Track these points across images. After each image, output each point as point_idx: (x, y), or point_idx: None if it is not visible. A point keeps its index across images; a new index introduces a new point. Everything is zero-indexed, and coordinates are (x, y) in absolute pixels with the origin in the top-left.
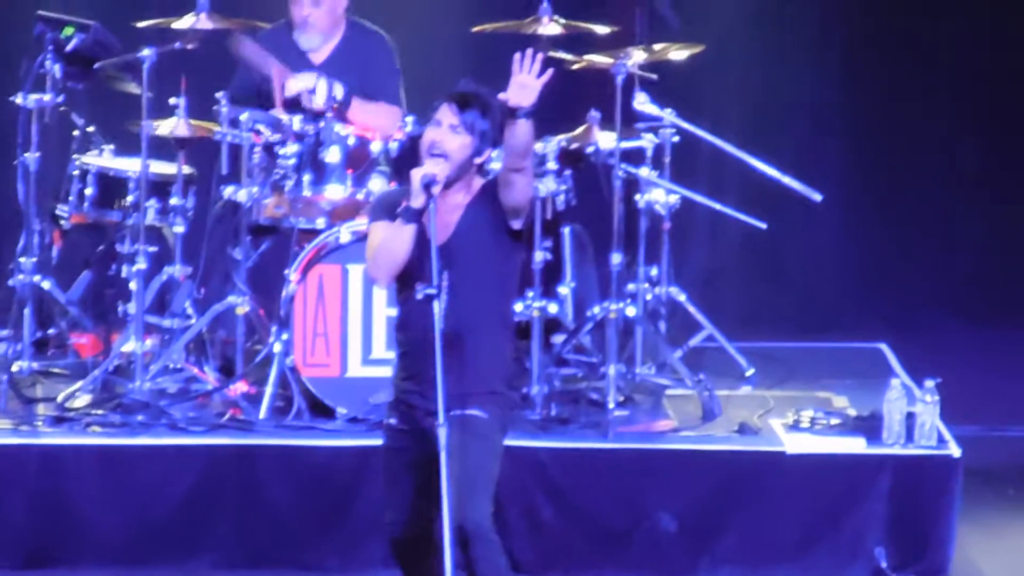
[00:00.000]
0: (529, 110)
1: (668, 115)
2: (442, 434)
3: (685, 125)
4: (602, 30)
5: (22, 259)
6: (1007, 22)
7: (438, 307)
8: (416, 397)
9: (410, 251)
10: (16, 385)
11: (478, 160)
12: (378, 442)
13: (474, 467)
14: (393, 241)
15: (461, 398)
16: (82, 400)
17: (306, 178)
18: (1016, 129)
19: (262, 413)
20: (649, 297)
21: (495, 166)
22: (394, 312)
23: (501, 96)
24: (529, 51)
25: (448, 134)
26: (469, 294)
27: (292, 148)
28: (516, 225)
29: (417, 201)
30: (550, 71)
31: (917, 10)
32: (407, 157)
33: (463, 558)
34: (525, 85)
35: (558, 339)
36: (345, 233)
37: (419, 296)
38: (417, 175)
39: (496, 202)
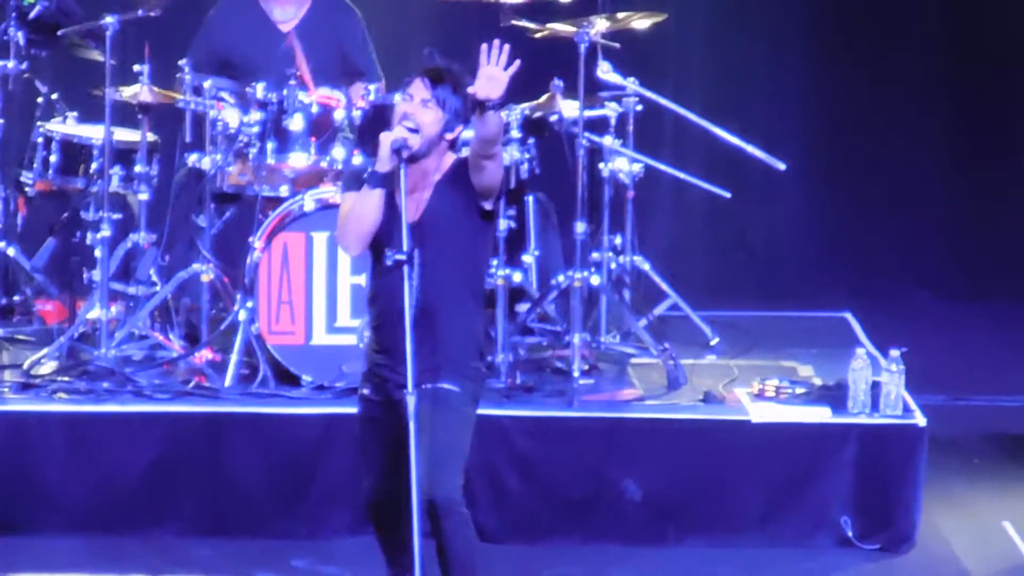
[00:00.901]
0: (498, 102)
1: (631, 84)
2: (411, 402)
3: (648, 94)
4: None
5: None
6: None
7: (408, 274)
8: (387, 370)
9: (379, 218)
10: None
11: (449, 136)
12: (343, 409)
13: (444, 440)
14: (361, 207)
15: (433, 371)
16: (48, 367)
17: (270, 146)
18: (981, 97)
19: (227, 381)
20: (613, 266)
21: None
22: (360, 280)
23: (469, 89)
24: (496, 42)
25: (420, 108)
26: (441, 270)
27: (256, 116)
28: (487, 206)
29: (383, 166)
30: (517, 62)
31: None
32: (371, 125)
33: (433, 529)
34: (493, 77)
35: (522, 308)
36: (309, 201)
37: (389, 262)
38: (387, 139)
39: (467, 181)
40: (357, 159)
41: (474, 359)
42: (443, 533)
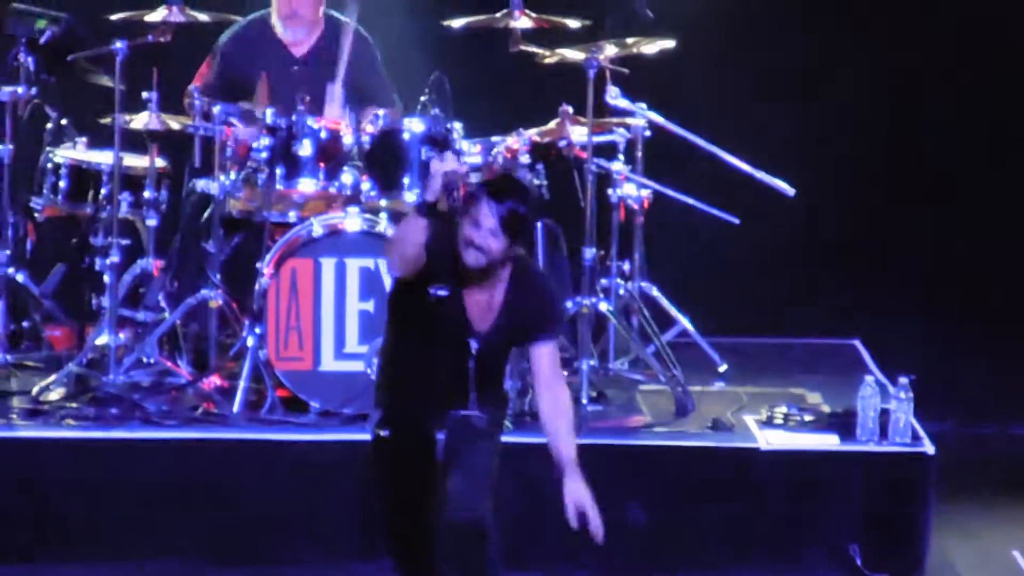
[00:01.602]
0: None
1: (640, 109)
2: (440, 439)
3: (657, 119)
4: (574, 24)
5: None
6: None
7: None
8: (416, 404)
9: (420, 244)
10: None
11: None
12: (351, 436)
13: (473, 465)
14: (406, 231)
15: (462, 401)
16: (56, 393)
17: (279, 171)
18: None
19: (235, 407)
20: (622, 292)
21: None
22: (368, 306)
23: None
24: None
25: (489, 238)
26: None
27: (264, 141)
28: None
29: (433, 195)
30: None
31: (892, 5)
32: (379, 151)
33: (460, 554)
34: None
35: None
36: (318, 227)
37: (432, 299)
38: (438, 170)
39: (532, 318)
40: (365, 185)
41: (501, 387)
42: (470, 557)
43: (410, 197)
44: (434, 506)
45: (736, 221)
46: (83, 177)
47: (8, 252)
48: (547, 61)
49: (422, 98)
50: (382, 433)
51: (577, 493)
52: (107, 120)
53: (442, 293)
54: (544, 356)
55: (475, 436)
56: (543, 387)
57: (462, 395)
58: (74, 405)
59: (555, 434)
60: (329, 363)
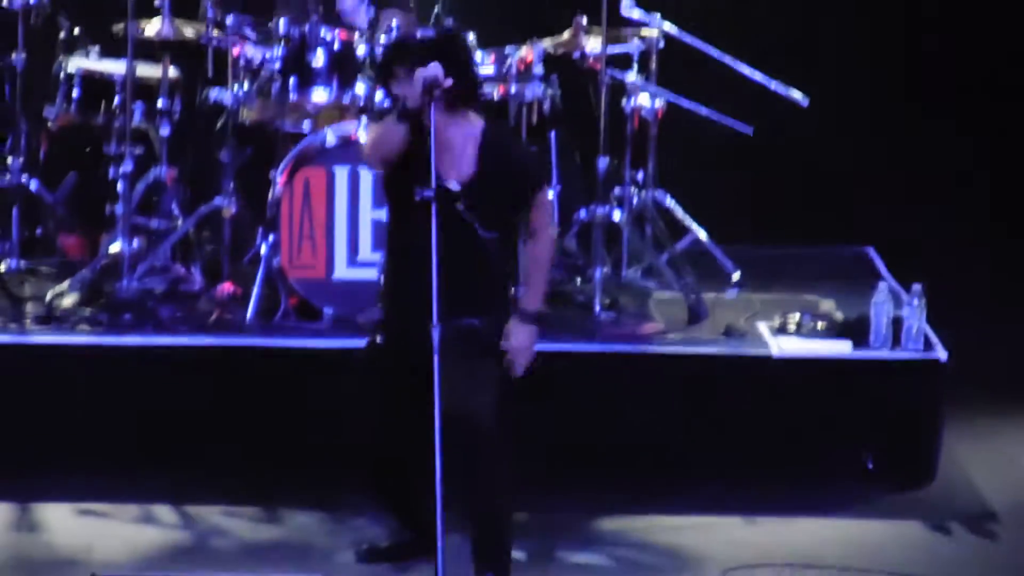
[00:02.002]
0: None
1: (654, 19)
2: (435, 334)
3: (671, 29)
4: None
5: (9, 159)
6: None
7: (434, 210)
8: (411, 309)
9: (401, 148)
10: (4, 284)
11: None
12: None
13: (472, 372)
14: (385, 133)
15: (461, 306)
16: (69, 300)
17: (292, 81)
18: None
19: (248, 314)
20: (635, 201)
21: None
22: (381, 215)
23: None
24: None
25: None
26: (476, 227)
27: (277, 51)
28: None
29: (413, 101)
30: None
31: None
32: (392, 61)
33: (463, 458)
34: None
35: None
36: (331, 136)
37: (417, 198)
38: (418, 77)
39: (506, 174)
40: (378, 95)
41: (499, 294)
42: (477, 459)
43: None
44: (419, 422)
45: (749, 130)
46: (96, 86)
47: (21, 160)
48: None
49: (436, 9)
50: (376, 339)
51: (517, 335)
52: (120, 28)
53: (428, 194)
54: (532, 207)
55: (475, 346)
56: (528, 234)
57: (462, 291)
58: (87, 312)
59: (524, 280)
60: (342, 271)
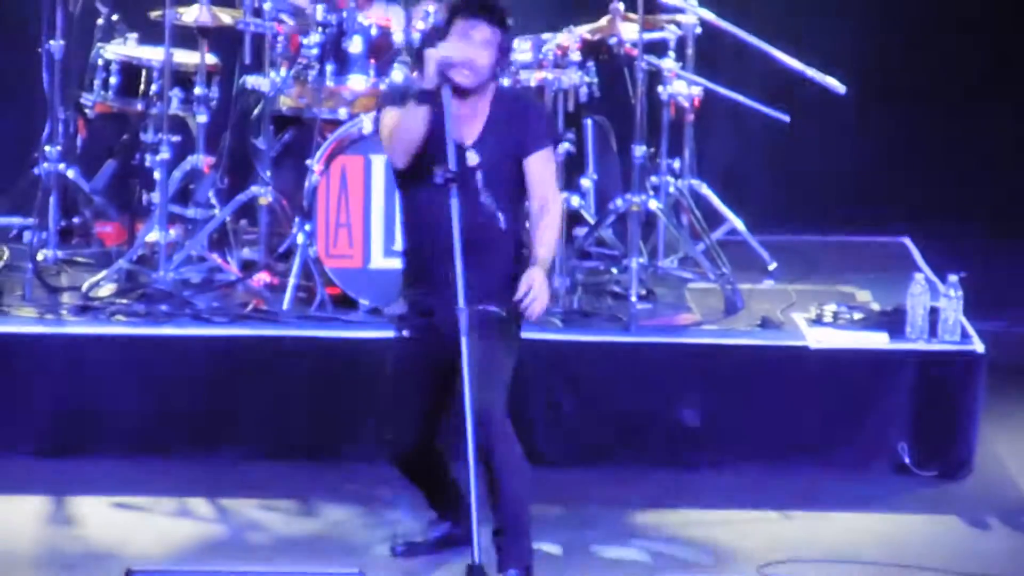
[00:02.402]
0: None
1: (691, 6)
2: (463, 318)
3: (708, 16)
4: None
5: (47, 147)
6: None
7: (454, 192)
8: (434, 298)
9: (424, 132)
10: (41, 274)
11: (497, 67)
12: None
13: (490, 361)
14: (407, 122)
15: (481, 292)
16: (106, 289)
17: (329, 68)
18: None
19: (285, 304)
20: (672, 190)
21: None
22: None
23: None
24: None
25: (479, 50)
26: (490, 198)
27: (314, 38)
28: None
29: (430, 83)
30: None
31: None
32: (430, 47)
33: (479, 447)
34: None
35: (580, 232)
36: (368, 123)
37: (439, 180)
38: (433, 57)
39: (518, 124)
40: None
41: (515, 281)
42: (489, 450)
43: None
44: (441, 414)
45: (786, 118)
46: (134, 73)
47: (59, 148)
48: None
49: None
50: (403, 334)
51: (532, 276)
52: (158, 15)
53: (449, 175)
54: (534, 164)
55: (493, 332)
56: (532, 194)
57: (480, 276)
58: (124, 301)
59: (535, 234)
60: (379, 261)
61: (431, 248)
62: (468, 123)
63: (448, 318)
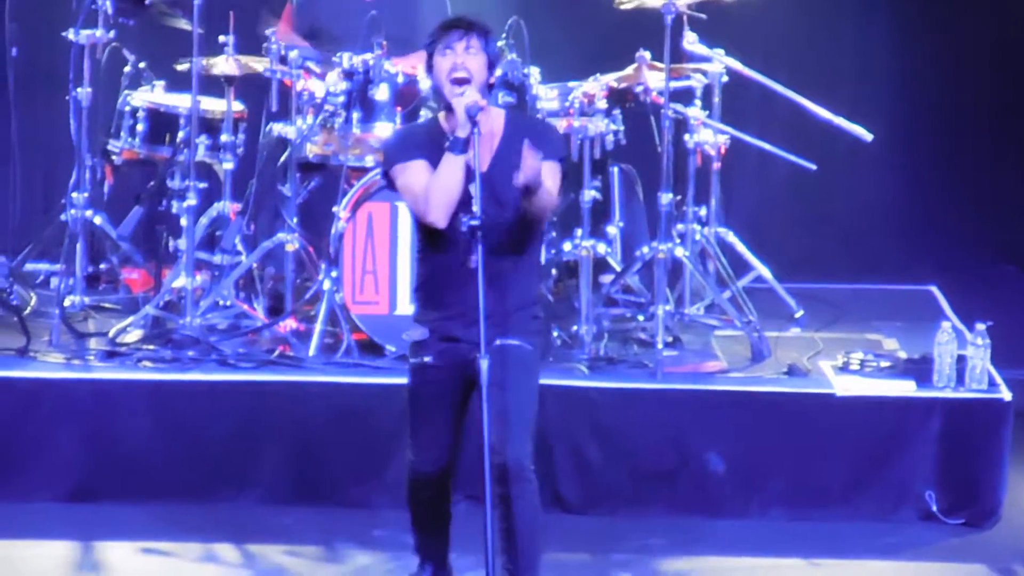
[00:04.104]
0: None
1: (717, 55)
2: (484, 367)
3: (734, 64)
4: None
5: (74, 194)
6: None
7: (479, 237)
8: (459, 328)
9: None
10: (68, 319)
11: (490, 81)
12: None
13: (518, 402)
14: (448, 175)
15: (503, 327)
16: (133, 335)
17: (355, 115)
18: None
19: (311, 350)
20: (698, 237)
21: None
22: None
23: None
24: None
25: (466, 56)
26: (505, 226)
27: (341, 85)
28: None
29: (463, 131)
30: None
31: None
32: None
33: (499, 494)
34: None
35: (607, 279)
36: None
37: (464, 228)
38: (460, 104)
39: (532, 134)
40: None
41: (538, 312)
42: (512, 498)
43: None
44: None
45: (813, 167)
46: (161, 120)
47: (86, 195)
48: (624, 6)
49: (499, 43)
50: (425, 359)
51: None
52: (185, 66)
53: (474, 223)
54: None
55: (520, 369)
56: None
57: (501, 311)
58: (151, 347)
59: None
60: (405, 307)
61: (448, 278)
62: (483, 146)
63: (472, 340)
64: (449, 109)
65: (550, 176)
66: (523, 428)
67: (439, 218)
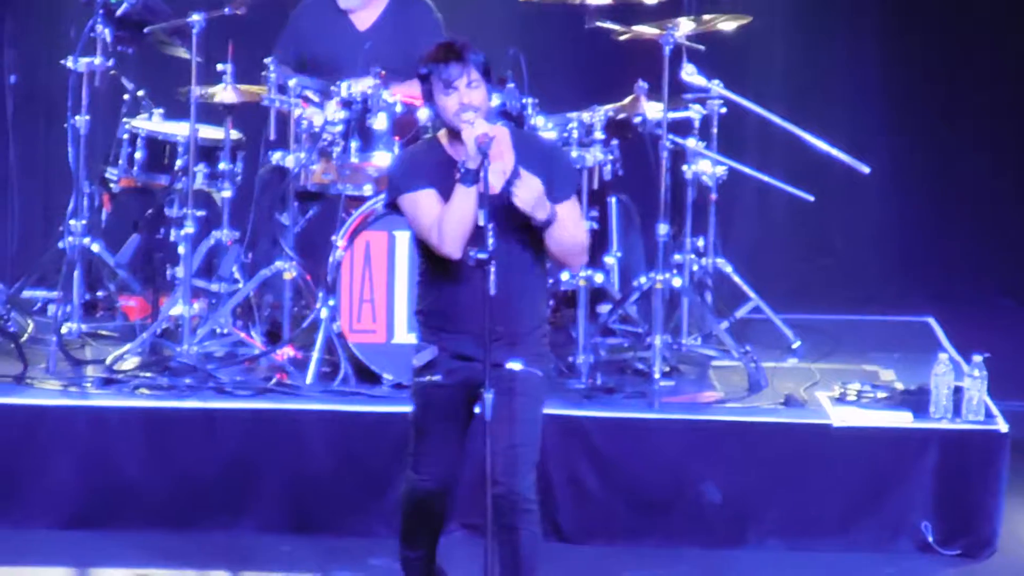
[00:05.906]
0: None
1: (715, 86)
2: (488, 400)
3: (732, 96)
4: (650, 0)
5: (72, 221)
6: None
7: (488, 271)
8: (471, 347)
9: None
10: (65, 347)
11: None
12: None
13: (523, 435)
14: (461, 208)
15: (510, 350)
16: (130, 363)
17: (353, 145)
18: None
19: (308, 378)
20: (695, 268)
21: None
22: None
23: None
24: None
25: (469, 92)
26: (514, 249)
27: (340, 115)
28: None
29: (473, 163)
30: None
31: None
32: None
33: (501, 525)
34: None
35: (604, 309)
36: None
37: (471, 262)
38: (471, 137)
39: (536, 169)
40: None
41: (544, 337)
42: (514, 529)
43: None
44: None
45: (810, 198)
46: (159, 148)
47: (84, 222)
48: (623, 37)
49: (503, 74)
50: (434, 378)
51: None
52: (183, 95)
53: (482, 256)
54: (562, 211)
55: (527, 396)
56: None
57: (509, 335)
58: (148, 374)
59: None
60: (403, 336)
61: (457, 299)
62: (492, 170)
63: (481, 373)
64: (449, 127)
65: (570, 217)
66: (527, 460)
67: (454, 251)
